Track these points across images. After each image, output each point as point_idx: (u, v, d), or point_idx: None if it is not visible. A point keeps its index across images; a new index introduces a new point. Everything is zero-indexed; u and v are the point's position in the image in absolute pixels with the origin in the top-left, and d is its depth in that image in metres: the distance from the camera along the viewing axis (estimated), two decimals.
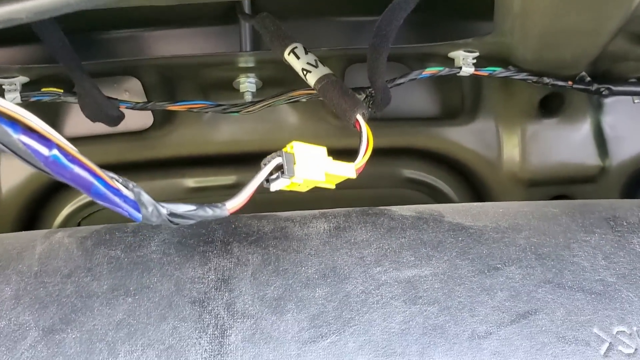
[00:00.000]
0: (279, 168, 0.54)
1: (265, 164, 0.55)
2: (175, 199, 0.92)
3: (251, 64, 0.77)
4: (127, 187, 0.44)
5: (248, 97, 0.78)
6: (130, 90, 0.83)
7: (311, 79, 0.68)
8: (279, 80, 0.80)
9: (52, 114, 0.89)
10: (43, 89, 0.74)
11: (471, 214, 0.68)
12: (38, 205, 0.92)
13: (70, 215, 0.96)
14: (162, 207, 0.46)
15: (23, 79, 0.75)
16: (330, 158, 0.58)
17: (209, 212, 0.49)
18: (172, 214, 0.47)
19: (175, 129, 0.89)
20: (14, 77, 0.74)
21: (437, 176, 0.96)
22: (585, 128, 0.91)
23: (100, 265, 0.61)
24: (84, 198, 0.93)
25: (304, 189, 0.57)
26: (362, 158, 0.61)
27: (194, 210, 0.48)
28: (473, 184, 0.95)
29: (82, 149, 0.87)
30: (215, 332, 0.57)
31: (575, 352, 0.56)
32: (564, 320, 0.58)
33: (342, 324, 0.57)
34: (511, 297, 0.59)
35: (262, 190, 0.55)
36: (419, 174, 0.97)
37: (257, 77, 0.79)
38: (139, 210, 0.45)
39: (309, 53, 0.69)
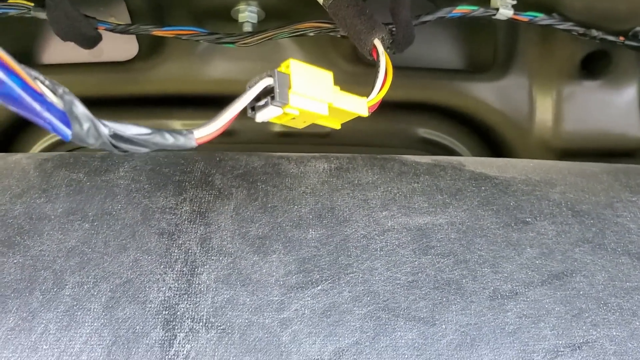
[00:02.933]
0: (269, 92, 0.42)
1: (251, 86, 0.42)
2: None
3: None
4: (55, 93, 0.33)
5: (247, 29, 0.68)
6: (118, 16, 0.74)
7: None
8: (284, 12, 0.70)
9: (26, 37, 0.80)
10: (10, 0, 0.64)
11: (497, 165, 0.58)
12: (1, 146, 0.83)
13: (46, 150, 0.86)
14: (105, 125, 0.35)
15: None
16: (338, 87, 0.46)
17: (168, 139, 0.37)
18: (116, 136, 0.35)
19: (163, 62, 0.79)
20: None
21: (457, 138, 0.85)
22: (631, 94, 0.80)
23: (57, 187, 0.52)
24: (53, 137, 0.83)
25: (299, 124, 0.45)
26: (379, 93, 0.49)
27: (149, 134, 0.37)
28: (497, 150, 0.85)
29: (57, 77, 0.78)
30: (184, 269, 0.47)
31: (619, 322, 0.46)
32: (605, 285, 0.48)
33: (337, 270, 0.47)
34: (542, 255, 0.49)
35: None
36: (436, 134, 0.86)
37: (260, 6, 0.69)
38: (69, 125, 0.34)
39: None
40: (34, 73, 0.33)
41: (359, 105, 0.47)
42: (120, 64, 0.78)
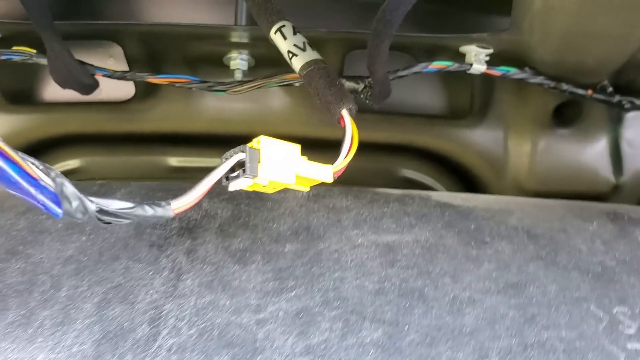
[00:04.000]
0: (242, 165, 0.46)
1: (225, 159, 0.46)
2: (156, 178, 0.87)
3: (245, 40, 0.75)
4: (48, 176, 0.37)
5: (238, 76, 0.75)
6: (116, 56, 0.80)
7: (297, 64, 0.62)
8: (273, 60, 0.76)
9: (28, 76, 0.85)
10: (14, 48, 0.69)
11: (461, 197, 0.63)
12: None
13: None
14: (91, 202, 0.39)
15: None
16: (305, 158, 0.50)
17: (148, 211, 0.42)
18: (102, 211, 0.39)
19: (159, 103, 0.84)
20: None
21: (437, 179, 0.90)
22: (601, 142, 0.85)
23: None
24: (62, 165, 0.87)
25: (269, 190, 0.50)
26: (343, 160, 0.53)
27: (131, 208, 0.41)
28: (474, 190, 0.90)
29: (57, 115, 0.85)
30: (171, 275, 0.51)
31: (568, 325, 0.50)
32: (557, 294, 0.52)
33: (311, 279, 0.52)
34: (499, 269, 0.54)
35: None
36: (417, 174, 0.91)
37: (250, 54, 0.76)
38: (59, 205, 0.37)
39: (297, 34, 0.63)
40: (30, 159, 0.37)
41: (324, 173, 0.51)
42: (118, 104, 0.84)
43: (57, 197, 0.37)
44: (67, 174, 0.87)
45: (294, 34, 0.63)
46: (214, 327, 0.48)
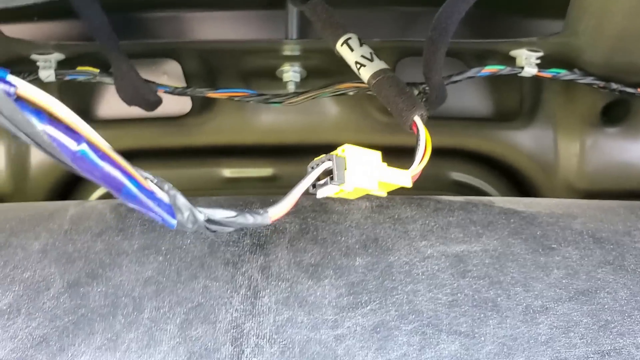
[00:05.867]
0: (328, 173, 0.49)
1: (312, 168, 0.49)
2: (210, 189, 0.89)
3: (297, 53, 0.76)
4: (162, 189, 0.40)
5: (291, 87, 0.77)
6: (169, 73, 0.82)
7: (365, 74, 0.64)
8: (324, 71, 0.78)
9: (86, 95, 0.87)
10: (78, 68, 0.72)
11: (523, 203, 0.64)
12: (71, 182, 0.90)
13: (104, 195, 0.92)
14: (200, 212, 0.41)
15: (59, 56, 0.72)
16: (385, 164, 0.52)
17: (249, 219, 0.45)
18: (209, 221, 0.42)
19: (214, 117, 0.86)
20: (49, 53, 0.72)
21: (487, 181, 0.91)
22: None
23: (132, 226, 0.59)
24: None
25: (353, 196, 0.52)
26: (419, 164, 0.55)
27: (234, 217, 0.44)
28: (525, 191, 0.90)
29: (115, 132, 0.87)
30: (248, 293, 0.53)
31: None
32: (628, 300, 0.53)
33: (384, 293, 0.53)
34: (568, 275, 0.54)
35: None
36: (467, 177, 0.92)
37: (302, 66, 0.77)
38: (173, 216, 0.40)
39: (364, 45, 0.66)
40: (145, 174, 0.39)
41: (403, 178, 0.53)
42: (175, 119, 0.86)
43: (172, 209, 0.40)
44: None
45: (360, 45, 0.65)
46: (295, 344, 0.50)
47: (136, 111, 0.75)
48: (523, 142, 0.87)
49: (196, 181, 0.90)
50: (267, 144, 0.87)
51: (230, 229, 0.44)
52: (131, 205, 0.39)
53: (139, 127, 0.86)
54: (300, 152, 0.86)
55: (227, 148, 0.89)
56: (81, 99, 0.86)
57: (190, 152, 0.88)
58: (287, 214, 0.60)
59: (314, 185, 0.49)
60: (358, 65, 0.64)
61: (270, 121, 0.86)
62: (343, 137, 0.89)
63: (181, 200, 0.40)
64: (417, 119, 0.58)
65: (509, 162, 0.89)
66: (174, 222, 0.40)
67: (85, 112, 0.88)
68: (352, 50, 0.65)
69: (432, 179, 0.91)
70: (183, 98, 0.84)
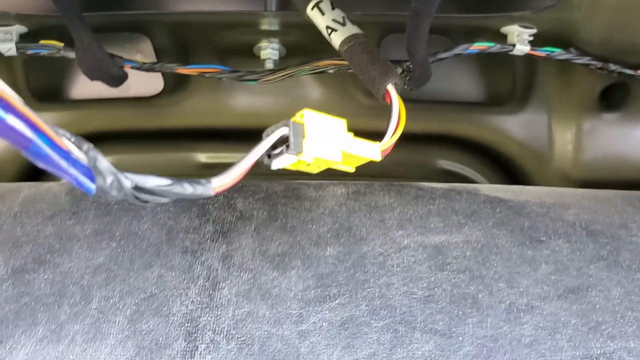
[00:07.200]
0: (285, 141, 0.43)
1: (267, 135, 0.43)
2: (185, 175, 0.85)
3: (275, 27, 0.71)
4: (80, 148, 0.34)
5: (269, 65, 0.72)
6: (144, 52, 0.78)
7: (336, 39, 0.59)
8: (304, 49, 0.73)
9: (56, 74, 0.83)
10: (41, 42, 0.67)
11: (511, 191, 0.59)
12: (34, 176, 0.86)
13: None
14: (127, 178, 0.36)
15: (20, 28, 0.68)
16: (351, 134, 0.46)
17: (187, 189, 0.39)
18: (138, 188, 0.37)
19: (188, 97, 0.81)
20: (10, 25, 0.67)
21: (477, 170, 0.86)
22: None
23: (87, 210, 0.54)
24: None
25: (314, 169, 0.46)
26: (391, 137, 0.49)
27: (169, 185, 0.38)
28: (517, 181, 0.85)
29: (84, 112, 0.82)
30: (206, 284, 0.48)
31: (636, 335, 0.46)
32: (622, 300, 0.48)
33: (355, 285, 0.48)
34: (558, 271, 0.50)
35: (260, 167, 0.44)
36: (455, 165, 0.87)
37: (281, 43, 0.72)
38: (92, 180, 0.35)
39: (336, 9, 0.60)
40: (62, 131, 0.34)
41: (372, 150, 0.47)
42: (147, 99, 0.81)
43: (90, 172, 0.34)
44: None
45: (332, 8, 0.60)
46: (254, 340, 0.45)
47: (108, 92, 0.71)
48: (515, 128, 0.82)
49: (170, 167, 0.85)
50: (245, 127, 0.82)
51: (165, 200, 0.38)
52: (42, 165, 0.33)
53: (109, 107, 0.81)
54: None
55: (202, 131, 0.84)
56: (50, 78, 0.82)
57: (164, 135, 0.83)
58: (255, 199, 0.56)
59: (269, 156, 0.43)
60: (329, 30, 0.59)
61: (249, 103, 0.81)
62: None
63: (103, 163, 0.34)
64: (390, 88, 0.54)
65: (501, 150, 0.83)
66: (92, 186, 0.35)
67: (55, 92, 0.83)
68: (323, 14, 0.59)
69: (418, 167, 0.86)
70: (156, 78, 0.79)
